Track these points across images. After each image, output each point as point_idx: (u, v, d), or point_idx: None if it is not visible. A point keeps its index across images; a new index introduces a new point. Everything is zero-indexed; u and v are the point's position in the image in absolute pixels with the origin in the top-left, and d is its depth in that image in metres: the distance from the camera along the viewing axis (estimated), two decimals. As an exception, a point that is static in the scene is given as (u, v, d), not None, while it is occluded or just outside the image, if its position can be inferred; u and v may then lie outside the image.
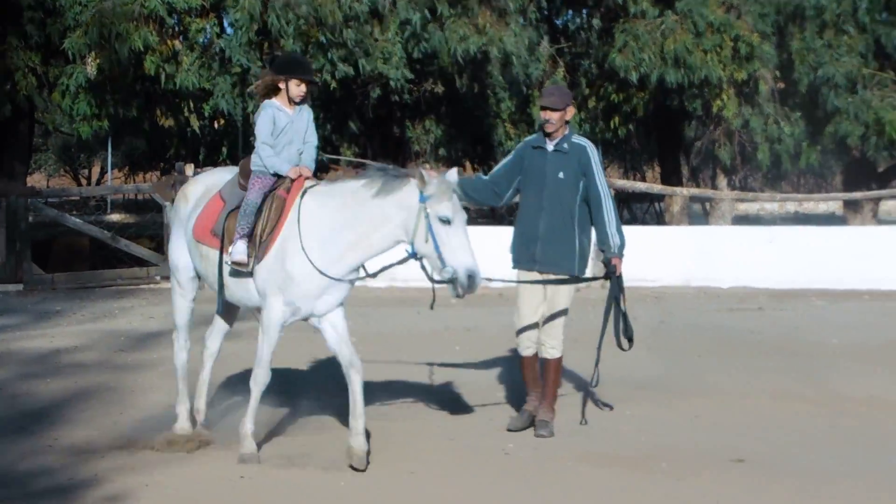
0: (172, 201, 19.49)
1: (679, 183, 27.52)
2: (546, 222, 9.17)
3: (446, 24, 21.39)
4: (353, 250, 8.18)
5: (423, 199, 7.93)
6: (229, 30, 23.30)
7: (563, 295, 9.21)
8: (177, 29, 22.49)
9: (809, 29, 23.70)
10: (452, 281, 7.88)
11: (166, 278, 19.79)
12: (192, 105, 23.30)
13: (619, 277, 9.01)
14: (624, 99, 23.74)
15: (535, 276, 9.22)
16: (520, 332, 9.39)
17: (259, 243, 8.24)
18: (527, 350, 9.40)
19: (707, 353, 13.03)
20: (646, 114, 24.67)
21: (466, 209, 8.21)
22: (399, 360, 12.45)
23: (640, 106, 23.99)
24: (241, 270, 8.32)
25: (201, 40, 22.70)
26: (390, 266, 8.50)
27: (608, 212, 9.06)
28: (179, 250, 8.96)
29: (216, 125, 25.09)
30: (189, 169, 19.97)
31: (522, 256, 9.32)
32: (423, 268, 8.15)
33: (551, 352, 9.31)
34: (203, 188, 8.90)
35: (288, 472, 8.08)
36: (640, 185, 25.75)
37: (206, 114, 23.64)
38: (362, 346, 12.99)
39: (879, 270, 19.02)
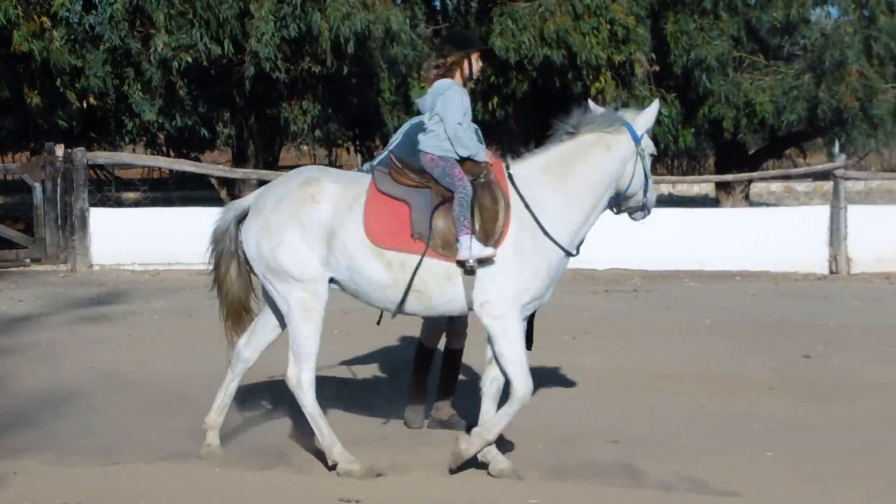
0: (42, 182, 19.32)
1: (556, 165, 27.67)
2: None
3: (327, 2, 21.17)
4: (588, 220, 7.75)
5: (637, 142, 7.73)
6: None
7: None
8: (42, 5, 21.93)
9: (683, 12, 24.04)
10: (642, 209, 7.92)
11: (37, 261, 19.39)
12: (65, 83, 22.78)
13: None
14: (503, 81, 23.81)
15: None
16: (429, 321, 8.91)
17: (490, 237, 7.48)
18: (433, 341, 9.01)
19: (582, 334, 13.15)
20: (525, 96, 24.77)
21: None
22: (274, 343, 12.33)
23: (520, 88, 24.08)
24: (467, 271, 7.47)
25: (70, 17, 22.21)
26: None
27: None
28: (309, 259, 7.61)
29: (85, 104, 24.58)
30: (59, 149, 19.54)
31: None
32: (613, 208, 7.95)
33: (461, 341, 9.02)
34: (336, 189, 7.63)
35: (168, 464, 7.90)
36: (517, 167, 25.86)
37: (78, 92, 23.15)
38: (238, 330, 12.89)
39: (750, 252, 19.37)
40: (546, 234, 7.55)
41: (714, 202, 28.54)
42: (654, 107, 7.86)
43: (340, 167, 34.99)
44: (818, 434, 8.89)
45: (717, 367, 11.27)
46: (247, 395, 9.60)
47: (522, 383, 7.54)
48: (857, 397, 10.15)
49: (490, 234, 7.47)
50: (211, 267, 8.23)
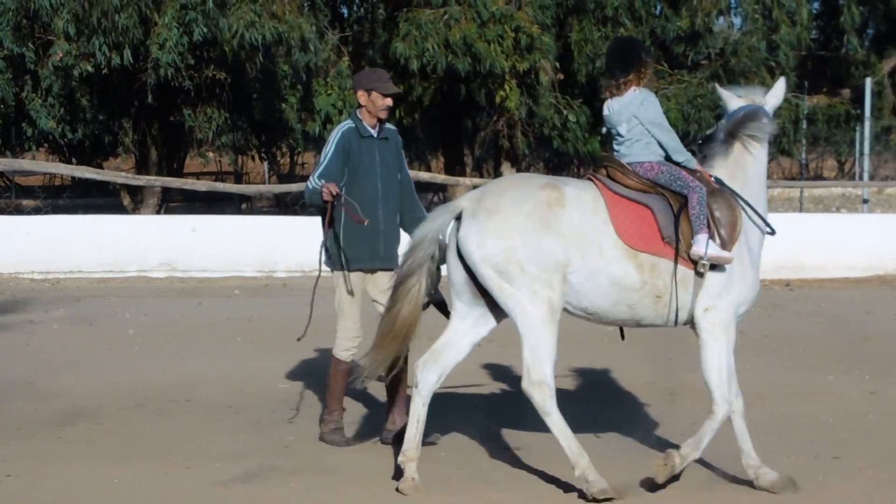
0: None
1: (462, 173, 27.79)
2: (385, 215, 8.70)
3: (232, 10, 21.00)
4: (766, 206, 8.00)
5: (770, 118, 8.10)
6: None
7: None
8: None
9: (587, 20, 24.25)
10: None
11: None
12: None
13: None
14: (407, 89, 23.82)
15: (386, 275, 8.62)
16: (344, 334, 8.71)
17: (729, 243, 7.48)
18: (348, 354, 8.72)
19: (487, 342, 13.14)
20: (430, 104, 24.81)
21: None
22: (177, 352, 12.24)
23: (426, 96, 24.11)
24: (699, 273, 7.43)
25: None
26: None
27: (416, 198, 8.99)
28: (558, 258, 7.33)
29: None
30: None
31: (364, 255, 8.63)
32: None
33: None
34: (574, 192, 7.47)
35: (65, 474, 7.79)
36: (423, 175, 25.83)
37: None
38: (139, 340, 12.81)
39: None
40: (762, 230, 7.81)
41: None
42: (780, 84, 8.22)
43: (246, 175, 34.79)
44: (718, 439, 8.99)
45: (619, 374, 11.36)
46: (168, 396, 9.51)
47: (724, 398, 7.57)
48: (755, 403, 10.25)
49: (729, 241, 7.51)
50: (399, 278, 7.67)
